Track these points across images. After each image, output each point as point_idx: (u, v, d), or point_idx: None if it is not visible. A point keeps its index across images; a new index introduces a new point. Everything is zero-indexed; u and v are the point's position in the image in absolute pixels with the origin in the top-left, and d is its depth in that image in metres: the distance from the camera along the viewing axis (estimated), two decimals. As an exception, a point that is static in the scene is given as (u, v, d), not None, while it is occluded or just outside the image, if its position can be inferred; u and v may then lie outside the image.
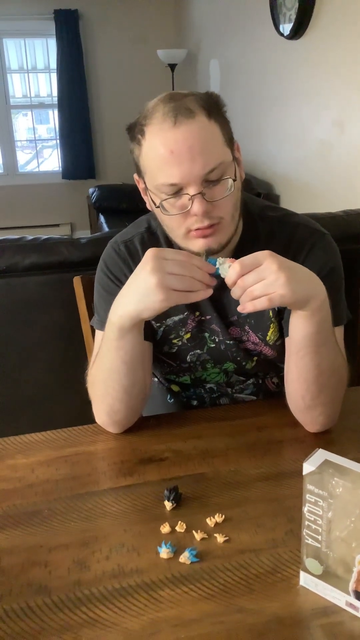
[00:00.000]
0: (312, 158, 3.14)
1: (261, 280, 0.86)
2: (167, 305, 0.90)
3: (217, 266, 0.91)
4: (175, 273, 0.88)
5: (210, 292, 0.90)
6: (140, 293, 0.90)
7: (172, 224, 1.00)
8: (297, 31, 3.07)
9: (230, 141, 1.00)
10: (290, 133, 3.40)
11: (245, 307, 0.88)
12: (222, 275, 0.91)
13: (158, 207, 0.99)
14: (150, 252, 0.89)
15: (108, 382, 1.04)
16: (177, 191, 0.95)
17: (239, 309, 0.89)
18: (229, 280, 0.89)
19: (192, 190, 0.94)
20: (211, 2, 4.60)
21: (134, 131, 0.99)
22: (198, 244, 0.99)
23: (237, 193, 1.00)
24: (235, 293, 0.89)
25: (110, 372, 1.03)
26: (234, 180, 0.97)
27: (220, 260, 0.92)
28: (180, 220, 0.98)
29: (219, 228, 0.98)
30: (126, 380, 1.03)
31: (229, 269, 0.89)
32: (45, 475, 0.99)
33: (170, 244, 1.10)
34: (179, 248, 1.05)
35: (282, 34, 3.27)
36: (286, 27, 3.19)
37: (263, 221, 1.11)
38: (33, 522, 0.88)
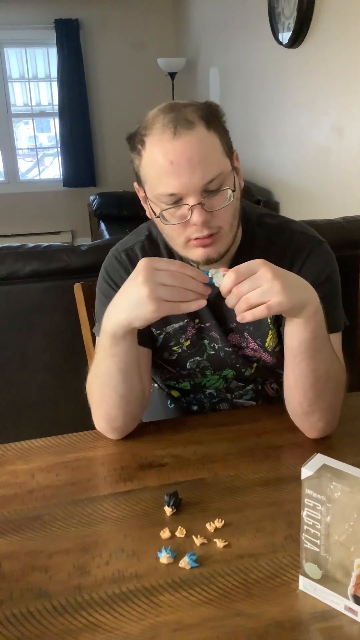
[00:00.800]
0: (311, 164, 3.15)
1: (257, 288, 0.86)
2: (158, 316, 0.90)
3: (210, 276, 0.91)
4: (166, 284, 0.88)
5: (203, 302, 0.90)
6: (132, 303, 0.91)
7: (172, 233, 1.01)
8: (296, 39, 3.09)
9: (229, 151, 1.01)
10: (289, 140, 3.42)
11: (244, 316, 0.88)
12: (216, 284, 0.91)
13: (158, 217, 1.00)
14: (142, 262, 0.89)
15: (104, 389, 1.04)
16: (177, 201, 0.96)
17: (238, 319, 0.89)
18: (223, 289, 0.89)
19: (191, 201, 0.95)
20: (210, 11, 4.63)
21: (134, 141, 1.00)
22: (197, 253, 1.00)
23: (235, 203, 1.01)
24: (230, 301, 0.89)
25: (105, 378, 1.03)
26: (233, 191, 0.98)
27: (212, 270, 0.91)
28: (180, 229, 0.99)
29: (217, 237, 0.99)
30: (121, 387, 1.03)
31: (224, 277, 0.88)
32: (45, 481, 0.99)
33: (170, 252, 1.11)
34: (179, 256, 1.06)
35: (280, 43, 3.29)
36: (285, 36, 3.21)
37: (261, 228, 1.12)
38: (33, 527, 0.88)
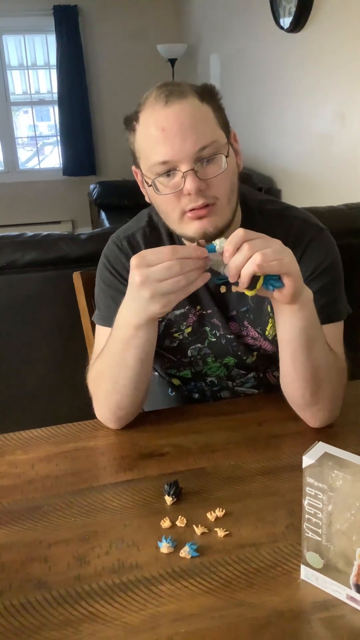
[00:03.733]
0: (313, 151, 3.13)
1: (269, 248, 0.84)
2: (169, 309, 0.89)
3: (215, 246, 0.86)
4: (164, 278, 0.84)
5: (207, 275, 0.87)
6: (140, 306, 0.89)
7: (167, 206, 0.99)
8: (297, 24, 3.05)
9: (225, 126, 1.00)
10: (291, 127, 3.39)
11: (262, 266, 0.82)
12: (218, 250, 0.86)
13: (150, 185, 0.98)
14: (133, 262, 0.86)
15: (118, 379, 1.02)
16: (170, 170, 0.95)
17: (251, 269, 0.83)
18: (232, 242, 0.84)
19: (184, 167, 0.94)
20: (211, -4, 4.58)
21: (130, 119, 1.00)
22: (193, 227, 0.97)
23: (232, 177, 1.00)
24: (242, 253, 0.83)
25: (121, 369, 1.01)
26: (227, 156, 0.97)
27: (217, 240, 0.87)
28: (175, 201, 0.96)
29: (214, 209, 0.97)
30: (137, 377, 1.02)
31: (234, 232, 0.84)
32: (45, 470, 0.99)
33: (171, 237, 1.09)
34: (178, 238, 1.04)
35: (282, 28, 3.25)
36: (286, 21, 3.17)
37: (261, 215, 1.10)
38: (33, 517, 0.88)
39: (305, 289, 0.92)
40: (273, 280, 0.87)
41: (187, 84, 0.98)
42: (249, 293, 0.89)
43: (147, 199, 1.07)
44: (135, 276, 0.86)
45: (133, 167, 1.05)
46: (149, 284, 0.85)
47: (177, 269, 0.84)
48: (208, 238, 0.95)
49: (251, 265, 0.83)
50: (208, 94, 0.98)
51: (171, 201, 0.97)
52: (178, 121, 0.93)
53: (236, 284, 0.87)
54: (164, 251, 0.85)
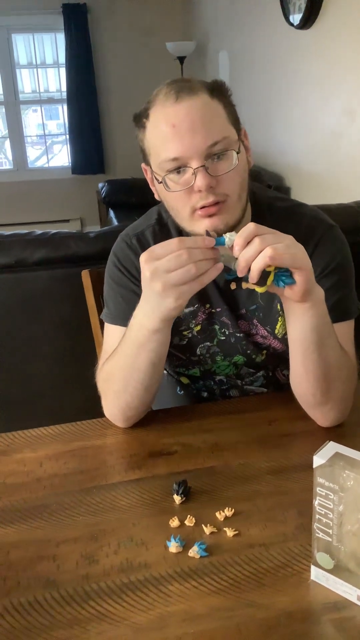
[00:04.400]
0: (323, 148, 3.11)
1: (281, 242, 0.83)
2: (183, 302, 0.87)
3: (225, 239, 0.85)
4: (174, 269, 0.83)
5: (220, 266, 0.86)
6: (154, 303, 0.88)
7: (177, 204, 0.98)
8: (307, 21, 3.03)
9: (235, 122, 0.99)
10: (301, 124, 3.37)
11: (274, 257, 0.81)
12: (227, 244, 0.85)
13: (161, 182, 0.97)
14: (142, 258, 0.86)
15: (129, 381, 1.01)
16: (180, 166, 0.94)
17: (250, 279, 0.82)
18: (242, 235, 0.83)
19: (194, 164, 0.93)
20: (220, -6, 4.57)
21: (140, 117, 0.99)
22: (204, 224, 0.96)
23: (243, 173, 0.99)
24: (253, 247, 0.82)
25: (133, 372, 1.00)
26: (238, 153, 0.96)
27: (227, 234, 0.86)
28: (185, 198, 0.96)
29: (224, 207, 0.96)
30: (149, 379, 1.01)
31: (245, 226, 0.83)
32: (53, 469, 0.99)
33: (181, 234, 1.09)
34: (187, 235, 1.04)
35: (291, 24, 3.23)
36: (296, 17, 3.15)
37: (271, 212, 1.09)
38: (41, 516, 0.88)
39: (316, 287, 0.90)
40: (284, 276, 0.86)
41: (197, 80, 0.97)
42: (259, 289, 0.88)
43: (156, 197, 1.07)
44: (145, 271, 0.85)
45: (142, 165, 1.05)
46: (159, 276, 0.84)
47: (185, 258, 0.83)
48: (218, 235, 0.94)
49: (262, 259, 0.82)
50: (218, 90, 0.97)
51: (181, 198, 0.96)
52: (188, 117, 0.92)
53: (246, 279, 0.86)
54: (171, 243, 0.85)
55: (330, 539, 0.70)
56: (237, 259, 0.84)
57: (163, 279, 0.84)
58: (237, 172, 0.96)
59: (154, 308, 0.89)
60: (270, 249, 0.81)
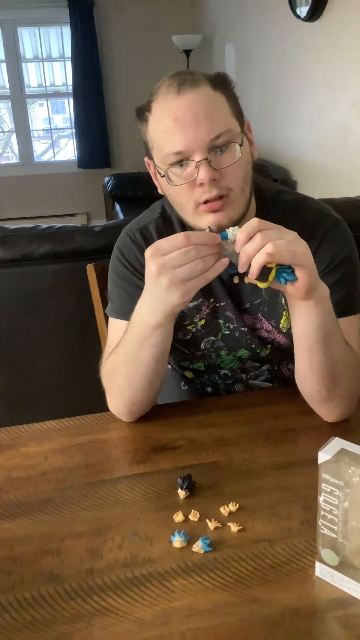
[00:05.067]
0: (330, 142, 3.09)
1: (283, 239, 0.82)
2: (188, 298, 0.86)
3: (228, 234, 0.85)
4: (181, 264, 0.83)
5: (226, 261, 0.85)
6: (159, 298, 0.87)
7: (180, 198, 0.97)
8: (315, 13, 3.01)
9: (239, 115, 0.98)
10: (307, 117, 3.34)
11: (273, 255, 0.80)
12: (230, 238, 0.85)
13: (163, 176, 0.96)
14: (148, 253, 0.85)
15: (133, 376, 1.01)
16: (183, 160, 0.93)
17: (250, 275, 0.82)
18: (245, 231, 0.82)
19: (197, 157, 0.92)
20: (227, -14, 4.54)
21: (142, 110, 0.98)
22: (208, 220, 0.95)
23: (246, 166, 0.98)
24: (255, 242, 0.82)
25: (137, 366, 1.00)
26: (241, 145, 0.95)
27: (230, 229, 0.86)
28: (188, 192, 0.95)
29: (228, 201, 0.95)
30: (153, 374, 1.01)
31: (248, 221, 0.83)
32: (58, 463, 0.99)
33: (185, 229, 1.08)
34: (191, 229, 1.03)
35: (298, 16, 3.20)
36: (303, 10, 3.13)
37: (276, 205, 1.08)
38: (46, 510, 0.88)
39: (320, 284, 0.90)
40: (286, 273, 0.85)
41: (200, 73, 0.96)
42: (261, 285, 0.87)
43: (159, 191, 1.06)
44: (151, 267, 0.85)
45: (145, 159, 1.04)
46: (166, 272, 0.83)
47: (193, 254, 0.83)
48: (222, 230, 0.94)
49: (262, 255, 0.81)
50: (221, 83, 0.96)
51: (185, 192, 0.95)
52: (191, 110, 0.91)
53: (247, 274, 0.86)
54: (177, 238, 0.84)
55: (335, 536, 0.70)
56: (238, 253, 0.84)
57: (170, 275, 0.83)
58: (240, 165, 0.95)
59: (158, 303, 0.89)
60: (270, 245, 0.81)
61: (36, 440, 1.05)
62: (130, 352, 1.00)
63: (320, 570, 0.73)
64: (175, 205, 1.02)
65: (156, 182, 1.05)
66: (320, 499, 0.70)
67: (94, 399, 1.16)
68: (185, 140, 0.92)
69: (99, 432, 1.07)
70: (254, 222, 0.83)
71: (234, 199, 0.96)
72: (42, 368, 2.03)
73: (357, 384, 1.03)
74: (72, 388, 2.01)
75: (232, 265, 0.88)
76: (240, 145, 0.95)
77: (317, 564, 0.73)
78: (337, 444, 0.69)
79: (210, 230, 0.87)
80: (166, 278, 0.84)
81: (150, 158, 1.02)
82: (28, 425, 1.10)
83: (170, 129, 0.92)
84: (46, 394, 2.05)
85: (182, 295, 0.85)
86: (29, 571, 0.77)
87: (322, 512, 0.70)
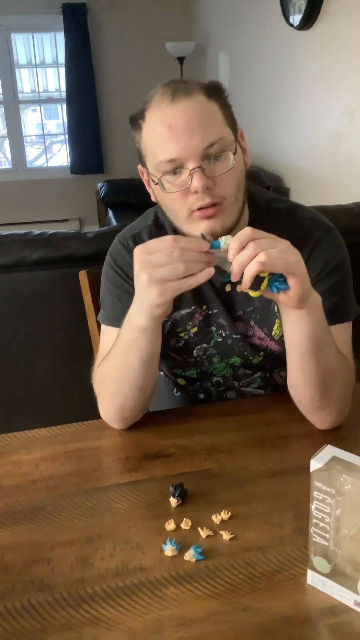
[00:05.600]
0: (323, 149, 3.11)
1: (276, 247, 0.82)
2: (167, 298, 0.86)
3: (220, 243, 0.85)
4: (164, 264, 0.83)
5: (211, 271, 0.85)
6: (141, 295, 0.89)
7: (174, 205, 0.97)
8: (307, 21, 3.03)
9: (232, 124, 0.99)
10: (300, 125, 3.36)
11: (265, 263, 0.80)
12: (222, 247, 0.85)
13: (157, 183, 0.97)
14: (135, 251, 0.86)
15: (123, 381, 1.01)
16: (177, 168, 0.94)
17: (255, 268, 0.81)
18: (238, 240, 0.82)
19: (191, 165, 0.92)
20: (220, -6, 4.56)
21: (136, 118, 0.99)
22: (201, 227, 0.95)
23: (240, 175, 0.98)
24: (247, 252, 0.82)
25: (126, 371, 1.00)
26: (234, 153, 0.96)
27: (223, 237, 0.86)
28: (182, 200, 0.95)
29: (221, 209, 0.95)
30: (142, 379, 1.01)
31: (241, 230, 0.83)
32: (49, 471, 0.98)
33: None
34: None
35: (291, 25, 3.23)
36: (296, 18, 3.15)
37: (269, 213, 1.09)
38: (36, 518, 0.87)
39: (313, 293, 0.90)
40: (278, 282, 0.85)
41: (193, 81, 0.97)
42: (253, 294, 0.87)
43: (152, 199, 1.06)
44: (136, 264, 0.86)
45: (139, 166, 1.04)
46: (147, 269, 0.85)
47: (176, 255, 0.83)
48: (215, 237, 0.94)
49: (254, 265, 0.81)
50: (215, 91, 0.97)
51: (178, 200, 0.96)
52: (185, 118, 0.92)
53: (240, 282, 0.86)
54: (166, 239, 0.85)
55: (327, 543, 0.70)
56: (230, 262, 0.84)
57: (150, 272, 0.85)
58: (233, 173, 0.95)
59: (140, 303, 0.90)
60: (263, 255, 0.81)
61: (27, 448, 1.05)
62: (119, 356, 1.00)
63: (312, 578, 0.73)
64: (168, 213, 1.02)
65: (149, 190, 1.05)
66: (312, 506, 0.70)
67: (85, 406, 1.15)
68: (179, 148, 0.92)
69: (90, 440, 1.06)
70: (246, 231, 0.83)
71: (227, 207, 0.96)
72: (35, 374, 2.02)
73: (349, 392, 1.03)
74: (63, 394, 2.01)
75: (225, 274, 0.88)
76: (234, 154, 0.96)
77: (309, 572, 0.73)
78: (329, 451, 0.70)
79: (203, 237, 0.87)
80: (146, 275, 0.85)
81: (144, 166, 1.02)
82: (19, 432, 1.09)
83: (164, 137, 0.93)
84: (38, 400, 2.04)
85: (159, 294, 0.85)
86: (19, 580, 0.76)
87: (314, 520, 0.70)
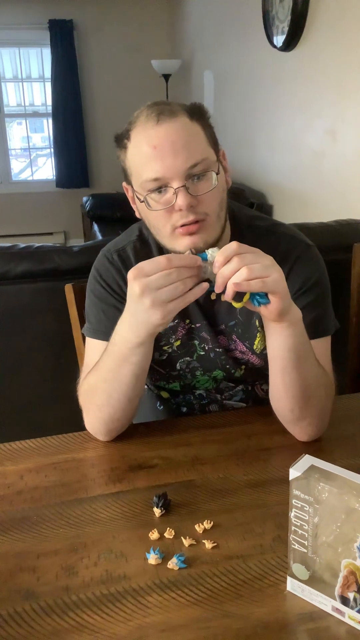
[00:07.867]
0: (305, 168, 3.17)
1: (259, 263, 0.85)
2: (169, 319, 0.89)
3: (207, 255, 0.89)
4: (163, 285, 0.86)
5: (205, 286, 0.88)
6: (141, 318, 0.90)
7: (158, 222, 1.00)
8: (290, 43, 3.10)
9: (214, 144, 1.02)
10: (283, 143, 3.43)
11: (241, 285, 0.85)
12: (210, 259, 0.88)
13: (142, 201, 0.99)
14: (131, 274, 0.88)
15: (112, 393, 1.03)
16: (162, 186, 0.97)
17: (234, 287, 0.85)
18: (223, 254, 0.86)
19: (175, 184, 0.96)
20: (205, 14, 4.65)
21: (121, 137, 1.02)
22: (184, 243, 0.99)
23: (222, 193, 1.02)
24: (231, 266, 0.85)
25: (117, 384, 1.02)
26: (217, 174, 0.99)
27: (210, 250, 0.90)
28: (166, 217, 0.98)
29: (204, 225, 0.99)
30: (132, 391, 1.03)
31: (227, 245, 0.86)
32: (34, 482, 0.99)
33: (161, 251, 1.11)
34: (168, 252, 1.06)
35: (275, 46, 3.30)
36: (279, 39, 3.23)
37: (250, 231, 1.12)
38: (22, 528, 0.88)
39: (293, 307, 0.93)
40: (259, 296, 0.89)
41: (177, 103, 1.00)
42: (236, 305, 0.91)
43: (137, 215, 1.09)
44: (134, 287, 0.87)
45: (124, 184, 1.07)
46: (149, 293, 0.86)
47: (175, 276, 0.86)
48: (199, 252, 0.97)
49: (237, 279, 0.85)
50: (198, 113, 1.00)
51: (162, 217, 0.99)
52: (169, 139, 0.95)
53: (224, 293, 0.89)
54: (159, 260, 0.87)
55: (305, 550, 0.72)
56: (215, 274, 0.87)
57: (153, 296, 0.86)
58: (216, 192, 0.99)
59: (140, 323, 0.91)
60: (245, 270, 0.84)
61: (12, 460, 1.06)
62: (110, 371, 1.01)
63: (291, 585, 0.75)
64: (152, 229, 1.05)
65: (134, 206, 1.08)
66: (291, 514, 0.72)
67: (70, 418, 1.17)
68: (164, 168, 0.95)
69: (75, 451, 1.08)
70: (232, 245, 0.86)
71: (210, 223, 0.99)
72: (19, 386, 2.03)
73: (328, 404, 1.06)
74: (48, 407, 2.01)
75: (211, 284, 0.91)
76: (217, 174, 0.99)
77: (289, 579, 0.75)
78: (307, 460, 0.72)
79: (192, 252, 0.91)
80: (149, 299, 0.86)
81: (129, 183, 1.05)
82: (4, 444, 1.10)
83: (150, 157, 0.96)
84: (22, 413, 2.04)
85: (164, 316, 0.88)
86: (4, 588, 0.77)
87: (293, 528, 0.72)
